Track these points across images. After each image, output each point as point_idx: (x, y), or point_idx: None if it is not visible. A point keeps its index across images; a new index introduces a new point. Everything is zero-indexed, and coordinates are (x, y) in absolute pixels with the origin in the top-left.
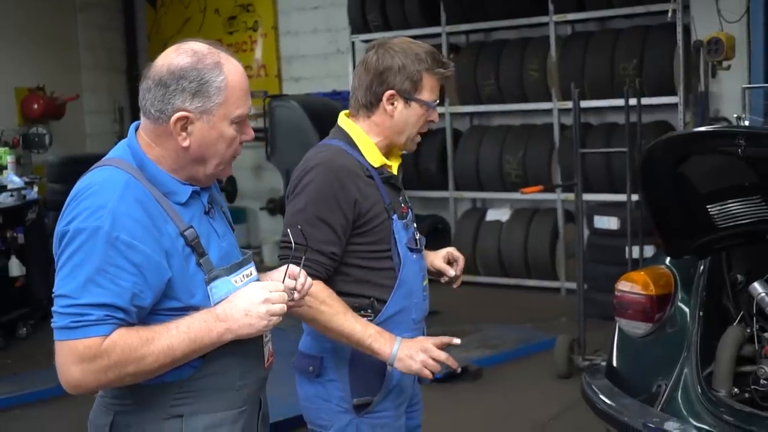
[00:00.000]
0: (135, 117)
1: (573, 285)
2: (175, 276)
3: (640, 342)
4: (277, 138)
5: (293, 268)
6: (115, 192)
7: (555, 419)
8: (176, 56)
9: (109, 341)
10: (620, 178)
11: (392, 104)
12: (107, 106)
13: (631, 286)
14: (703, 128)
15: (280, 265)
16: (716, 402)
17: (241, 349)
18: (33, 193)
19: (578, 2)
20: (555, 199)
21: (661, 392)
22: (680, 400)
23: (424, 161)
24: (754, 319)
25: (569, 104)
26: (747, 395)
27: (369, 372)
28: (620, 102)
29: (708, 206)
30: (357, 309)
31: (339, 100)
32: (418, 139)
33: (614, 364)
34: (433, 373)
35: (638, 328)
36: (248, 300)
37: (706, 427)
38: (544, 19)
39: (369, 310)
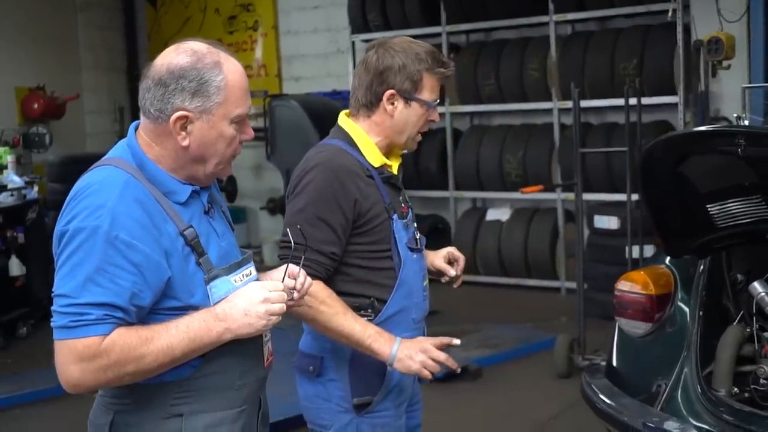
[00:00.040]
0: (135, 117)
1: (573, 285)
2: (175, 275)
3: (639, 342)
4: (278, 137)
5: (293, 268)
6: (115, 191)
7: (555, 419)
8: (176, 56)
9: (109, 340)
10: (620, 178)
11: (392, 104)
12: (107, 105)
13: (630, 286)
14: (702, 128)
15: (279, 265)
16: (716, 401)
17: (240, 348)
18: (33, 193)
19: (578, 2)
20: (555, 198)
21: (660, 392)
22: (680, 400)
23: (424, 161)
24: (754, 318)
25: (569, 104)
26: (747, 395)
27: (369, 372)
28: (620, 102)
29: (708, 206)
30: (357, 309)
31: (339, 99)
32: (419, 138)
33: (614, 363)
34: (432, 374)
35: (638, 327)
36: (248, 299)
37: (706, 427)
38: (544, 18)
39: (369, 310)
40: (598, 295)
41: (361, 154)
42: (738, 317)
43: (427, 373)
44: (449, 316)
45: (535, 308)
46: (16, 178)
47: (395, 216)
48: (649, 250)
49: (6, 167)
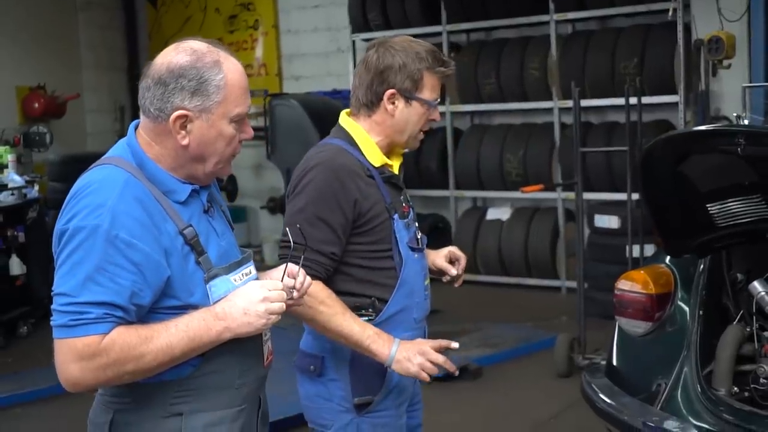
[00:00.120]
0: (136, 116)
1: (573, 284)
2: (174, 274)
3: (640, 341)
4: (278, 137)
5: (292, 267)
6: (115, 190)
7: (555, 418)
8: (176, 55)
9: (108, 339)
10: (621, 177)
11: (393, 103)
12: (108, 104)
13: (631, 285)
14: (702, 127)
15: (279, 264)
16: (716, 401)
17: (240, 347)
18: (34, 192)
19: (579, 1)
20: (555, 197)
21: (660, 391)
22: (680, 399)
23: (424, 160)
24: (754, 318)
25: (570, 103)
26: (747, 394)
27: (370, 371)
28: (621, 101)
29: (708, 205)
30: (358, 308)
31: (339, 98)
32: (421, 136)
33: (614, 363)
34: (430, 376)
35: (638, 327)
36: (247, 299)
37: (706, 426)
38: (544, 17)
39: (370, 310)
40: (599, 295)
41: (362, 154)
42: (738, 316)
43: (425, 376)
44: (449, 316)
45: (536, 307)
46: (17, 177)
47: (396, 216)
48: (649, 250)
49: (6, 166)
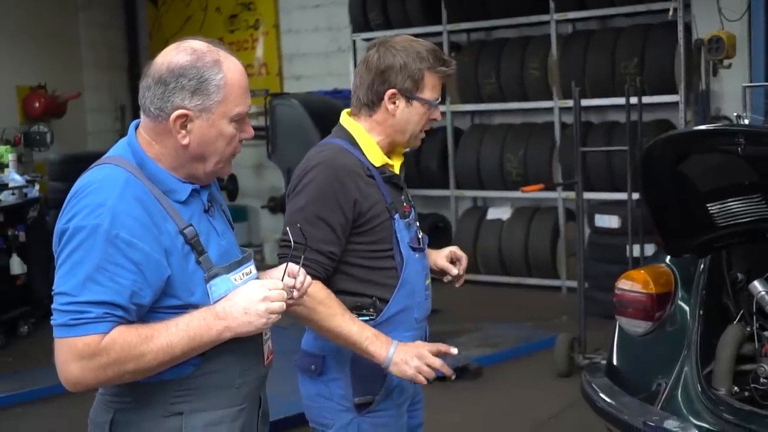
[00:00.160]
0: (136, 115)
1: (574, 283)
2: (175, 274)
3: (640, 340)
4: (278, 136)
5: (292, 267)
6: (115, 190)
7: (555, 417)
8: (176, 54)
9: (109, 339)
10: (621, 177)
11: (394, 103)
12: (109, 104)
13: (631, 285)
14: (702, 127)
15: (279, 264)
16: (716, 400)
17: (240, 347)
18: (34, 191)
19: (579, 1)
20: (556, 197)
21: (661, 391)
22: (680, 399)
23: (425, 159)
24: (754, 317)
25: (570, 103)
26: (747, 394)
27: (371, 371)
28: (621, 100)
29: (708, 205)
30: (359, 308)
31: (340, 98)
32: (422, 136)
33: (614, 362)
34: (427, 379)
35: (638, 326)
36: (247, 298)
37: (706, 426)
38: (545, 17)
39: (371, 309)
40: (599, 294)
41: (363, 154)
42: (738, 316)
43: (421, 379)
44: (450, 315)
45: (536, 307)
46: (18, 177)
47: (397, 215)
48: (649, 249)
49: (7, 166)
